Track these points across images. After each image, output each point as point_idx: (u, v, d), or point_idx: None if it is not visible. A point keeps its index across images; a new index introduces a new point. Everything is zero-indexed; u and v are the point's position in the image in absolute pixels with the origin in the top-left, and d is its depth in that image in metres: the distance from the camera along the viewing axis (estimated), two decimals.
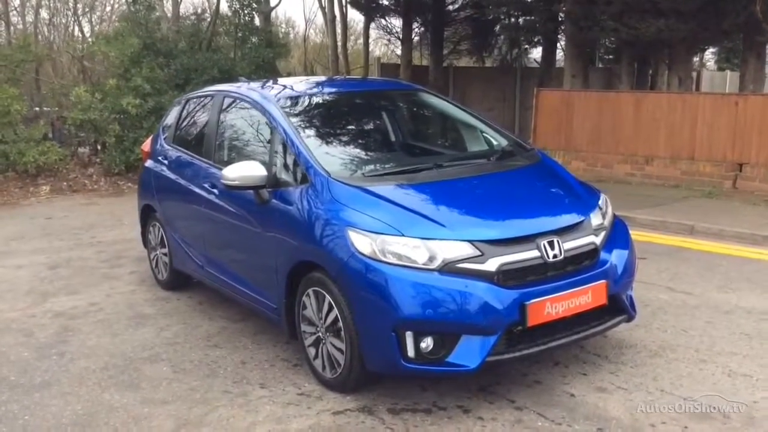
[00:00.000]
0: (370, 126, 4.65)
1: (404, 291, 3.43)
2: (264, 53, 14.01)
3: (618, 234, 4.14)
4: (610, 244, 3.98)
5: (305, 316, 3.99)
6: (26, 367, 4.47)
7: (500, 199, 3.98)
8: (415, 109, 5.05)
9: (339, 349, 3.76)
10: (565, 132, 11.66)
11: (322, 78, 5.60)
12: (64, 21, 19.41)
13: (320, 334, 3.88)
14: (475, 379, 3.87)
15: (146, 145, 6.52)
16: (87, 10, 19.84)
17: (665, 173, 10.22)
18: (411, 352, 3.46)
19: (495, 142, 4.77)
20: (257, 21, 15.14)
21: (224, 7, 14.74)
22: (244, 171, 4.20)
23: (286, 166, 4.21)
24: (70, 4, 18.81)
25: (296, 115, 4.55)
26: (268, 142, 4.44)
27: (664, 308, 5.06)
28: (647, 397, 3.72)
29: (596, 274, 3.76)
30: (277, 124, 4.38)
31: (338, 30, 18.83)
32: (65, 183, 12.21)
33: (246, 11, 14.17)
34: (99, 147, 13.09)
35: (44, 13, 19.99)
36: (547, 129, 11.89)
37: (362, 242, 3.54)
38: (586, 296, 3.69)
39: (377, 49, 24.59)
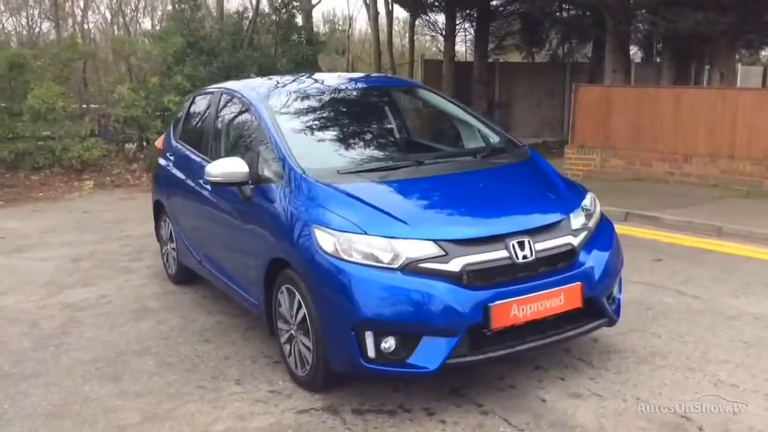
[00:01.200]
0: (358, 123, 4.60)
1: (364, 290, 3.39)
2: (303, 50, 14.12)
3: (602, 235, 4.00)
4: (591, 245, 3.85)
5: (281, 314, 4.00)
6: (22, 357, 4.61)
7: (473, 197, 3.88)
8: (408, 106, 4.99)
9: (308, 348, 3.74)
10: (603, 129, 11.34)
11: (325, 75, 5.58)
12: (116, 20, 20.00)
13: (293, 331, 3.88)
14: (448, 381, 3.80)
15: (159, 142, 6.66)
16: (134, 9, 20.37)
17: (704, 172, 9.83)
18: (371, 352, 3.42)
19: (487, 139, 4.67)
20: (299, 19, 15.26)
21: (265, 6, 14.89)
22: (226, 167, 4.24)
23: (267, 162, 4.21)
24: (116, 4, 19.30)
25: (284, 112, 4.55)
26: (256, 139, 4.46)
27: (665, 313, 4.87)
28: (621, 405, 3.58)
29: (570, 276, 3.64)
30: (262, 120, 4.40)
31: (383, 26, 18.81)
32: (108, 178, 12.58)
33: (285, 10, 14.29)
34: (144, 143, 13.43)
35: (92, 16, 20.63)
36: (585, 126, 11.59)
37: (326, 240, 3.52)
38: (558, 299, 3.57)
39: (422, 44, 24.41)
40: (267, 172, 4.18)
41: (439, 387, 3.78)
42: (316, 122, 4.58)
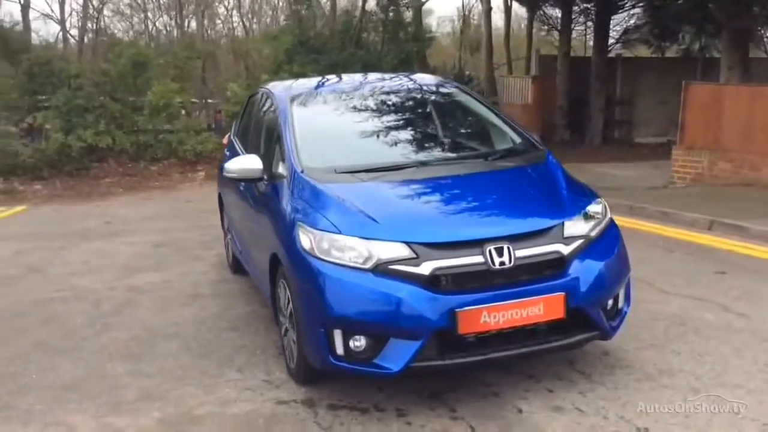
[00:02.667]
0: (377, 123, 4.65)
1: (334, 289, 3.46)
2: (408, 48, 14.24)
3: (604, 244, 3.82)
4: (588, 254, 3.68)
5: (280, 307, 4.14)
6: (70, 332, 5.06)
7: (462, 200, 3.84)
8: (435, 105, 4.96)
9: (294, 341, 3.86)
10: (713, 130, 10.62)
11: (360, 75, 5.66)
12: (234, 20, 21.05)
13: (287, 325, 4.01)
14: (430, 385, 3.79)
15: (226, 138, 7.03)
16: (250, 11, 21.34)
17: None
18: (340, 350, 3.48)
19: (508, 141, 4.57)
20: (409, 15, 15.39)
21: (373, 4, 15.14)
22: (243, 164, 4.45)
23: (280, 159, 4.37)
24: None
25: (306, 111, 4.69)
26: (276, 137, 4.63)
27: (698, 329, 4.55)
28: (599, 422, 3.41)
29: (553, 285, 3.51)
30: (281, 119, 4.56)
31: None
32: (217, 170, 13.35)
33: (392, 8, 14.47)
34: None
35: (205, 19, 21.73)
36: (695, 126, 10.90)
37: (305, 238, 3.62)
38: (537, 308, 3.47)
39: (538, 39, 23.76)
40: (279, 169, 4.33)
41: (421, 389, 3.78)
42: (334, 122, 4.68)
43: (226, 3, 21.06)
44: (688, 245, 6.84)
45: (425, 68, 15.73)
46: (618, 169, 12.98)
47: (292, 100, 4.76)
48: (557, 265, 3.58)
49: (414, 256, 3.42)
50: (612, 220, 4.03)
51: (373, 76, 5.55)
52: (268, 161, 4.46)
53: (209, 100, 14.78)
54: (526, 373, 3.95)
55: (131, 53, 12.64)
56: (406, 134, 4.57)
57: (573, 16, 17.38)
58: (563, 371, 3.97)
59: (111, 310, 5.56)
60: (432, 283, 3.39)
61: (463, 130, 4.78)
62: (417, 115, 4.80)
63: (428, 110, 4.87)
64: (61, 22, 19.29)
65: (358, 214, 3.64)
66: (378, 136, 4.51)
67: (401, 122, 4.66)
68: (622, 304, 3.93)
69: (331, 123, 4.66)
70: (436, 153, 4.42)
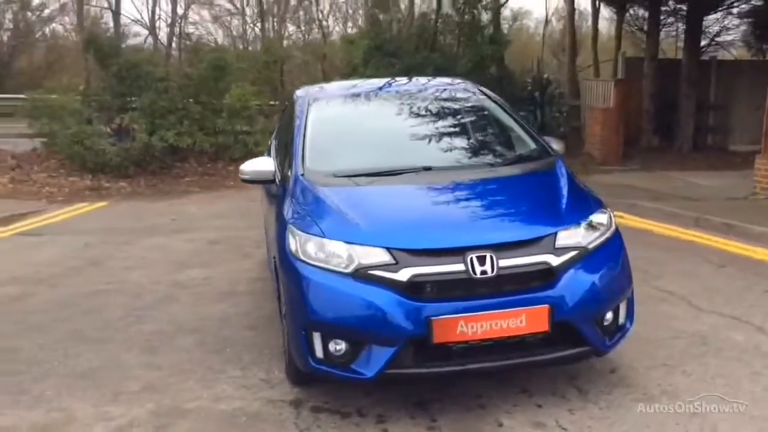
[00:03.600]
0: (390, 126, 4.66)
1: (315, 292, 3.50)
2: (484, 50, 14.09)
3: (603, 256, 3.68)
4: (583, 265, 3.56)
5: (280, 308, 4.22)
6: (105, 324, 5.33)
7: (451, 208, 3.80)
8: (450, 111, 4.90)
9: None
10: None
11: (388, 80, 5.66)
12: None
13: (284, 326, 4.08)
14: (420, 392, 3.77)
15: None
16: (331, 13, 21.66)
17: None
18: (319, 353, 3.52)
19: (521, 147, 4.48)
20: (486, 17, 15.23)
21: (448, 7, 15.06)
22: (256, 166, 4.57)
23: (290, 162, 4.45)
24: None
25: (323, 115, 4.75)
26: (292, 139, 4.72)
27: (721, 350, 4.29)
28: None
29: (538, 297, 3.42)
30: (297, 121, 4.65)
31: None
32: None
33: (467, 10, 14.35)
34: None
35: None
36: None
37: (293, 241, 3.68)
38: (519, 320, 3.38)
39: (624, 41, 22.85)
40: (288, 172, 4.42)
41: (410, 396, 3.76)
42: (346, 125, 4.73)
43: (310, 8, 21.65)
44: (743, 261, 6.45)
45: (503, 70, 15.53)
46: (704, 178, 12.34)
47: (310, 103, 4.84)
48: (545, 276, 3.48)
49: (394, 262, 3.41)
50: (616, 232, 3.87)
51: (402, 80, 5.55)
52: (281, 163, 4.56)
53: (287, 103, 15.13)
54: (520, 387, 3.85)
55: (211, 57, 13.15)
56: (415, 139, 4.53)
57: (662, 17, 16.66)
58: (560, 387, 3.85)
59: (149, 304, 5.81)
60: (410, 289, 3.37)
61: (475, 136, 4.69)
62: (430, 120, 4.76)
63: (442, 115, 4.82)
64: (152, 27, 20.31)
65: (345, 218, 3.66)
66: (387, 140, 4.52)
67: (413, 127, 4.64)
68: (624, 320, 3.77)
69: (343, 126, 4.71)
70: (442, 158, 4.37)
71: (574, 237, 3.62)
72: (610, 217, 3.88)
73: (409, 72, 14.00)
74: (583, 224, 3.71)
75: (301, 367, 3.66)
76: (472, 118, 4.86)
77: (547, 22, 20.56)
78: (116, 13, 16.60)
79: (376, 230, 3.55)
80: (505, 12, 15.79)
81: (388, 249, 3.44)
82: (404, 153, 4.40)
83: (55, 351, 4.74)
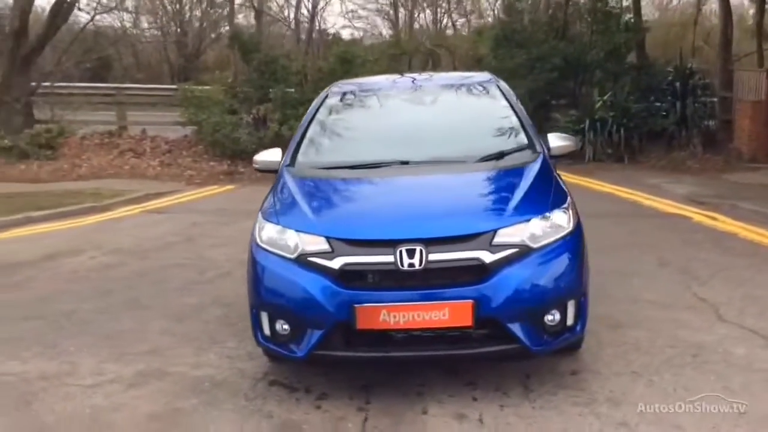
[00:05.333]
0: (389, 121, 4.81)
1: (262, 275, 3.81)
2: (617, 38, 13.49)
3: (550, 256, 3.64)
4: (522, 264, 3.56)
5: None
6: (159, 294, 5.95)
7: (398, 201, 3.93)
8: (456, 106, 4.96)
9: None
10: None
11: (413, 75, 5.78)
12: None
13: None
14: (371, 377, 3.95)
15: None
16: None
17: None
18: (267, 331, 3.81)
19: (512, 143, 4.47)
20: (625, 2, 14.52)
21: None
22: (266, 156, 4.92)
23: None
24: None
25: (332, 108, 5.01)
26: None
27: (707, 363, 4.04)
28: None
29: (462, 291, 3.48)
30: (307, 114, 4.96)
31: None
32: None
33: None
34: None
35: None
36: None
37: (257, 227, 4.00)
38: (442, 313, 3.47)
39: None
40: None
41: (358, 381, 3.94)
42: (350, 119, 4.95)
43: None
44: None
45: (643, 59, 14.75)
46: None
47: (327, 97, 5.12)
48: (477, 272, 3.52)
49: (330, 250, 3.62)
50: (575, 232, 3.79)
51: (424, 76, 5.67)
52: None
53: None
54: (468, 380, 3.91)
55: (339, 51, 13.75)
56: (407, 133, 4.66)
57: None
58: (507, 383, 3.86)
59: (207, 279, 6.41)
60: (341, 277, 3.57)
61: (466, 132, 4.70)
62: (427, 116, 4.86)
63: (441, 111, 4.90)
64: (296, 23, 21.39)
65: (300, 207, 3.92)
66: (379, 134, 4.70)
67: (408, 122, 4.77)
68: (573, 322, 3.71)
69: (345, 120, 4.93)
70: (423, 153, 4.44)
71: (517, 235, 3.62)
72: (570, 217, 3.80)
73: (535, 62, 13.81)
74: (534, 222, 3.68)
75: (256, 342, 3.98)
76: (472, 114, 4.88)
77: (699, 8, 18.99)
78: (259, 12, 17.78)
79: (320, 220, 3.79)
80: None
81: (327, 238, 3.65)
82: (391, 147, 4.55)
83: (102, 314, 5.42)
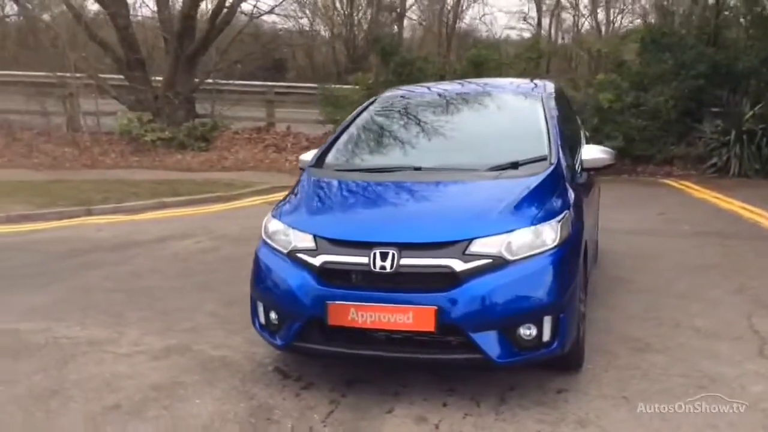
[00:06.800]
0: (419, 127, 4.88)
1: (259, 267, 4.10)
2: None
3: (526, 270, 3.61)
4: (495, 275, 3.57)
5: None
6: (231, 279, 6.29)
7: (386, 205, 4.11)
8: (488, 115, 4.93)
9: None
10: None
11: (462, 81, 5.79)
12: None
13: None
14: (358, 373, 4.11)
15: None
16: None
17: None
18: (262, 319, 4.09)
19: (531, 154, 4.39)
20: None
21: None
22: (306, 156, 5.20)
23: None
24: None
25: (374, 112, 5.20)
26: None
27: (711, 397, 3.77)
28: None
29: (427, 297, 3.55)
30: (348, 118, 5.19)
31: None
32: None
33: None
34: None
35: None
36: None
37: (265, 220, 4.29)
38: (406, 316, 3.57)
39: None
40: None
41: (346, 375, 4.10)
42: (387, 124, 5.08)
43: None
44: None
45: None
46: None
47: (372, 102, 5.31)
48: (447, 279, 3.58)
49: (314, 248, 3.83)
50: (560, 248, 3.71)
51: (477, 82, 5.69)
52: None
53: None
54: (451, 386, 3.96)
55: (471, 55, 13.77)
56: (430, 140, 4.75)
57: None
58: (487, 393, 3.87)
59: (235, 257, 6.84)
60: (321, 274, 3.77)
61: (487, 140, 4.68)
62: (457, 123, 4.90)
63: (471, 119, 4.91)
64: (438, 26, 21.44)
65: (301, 205, 4.17)
66: (406, 140, 4.82)
67: (437, 128, 4.84)
68: (550, 338, 3.64)
69: (380, 125, 5.07)
70: (438, 159, 4.52)
71: (494, 246, 3.62)
72: (558, 232, 3.73)
73: (680, 68, 13.02)
74: (517, 233, 3.66)
75: (255, 328, 4.27)
76: (501, 123, 4.85)
77: None
78: (401, 15, 18.11)
79: (312, 218, 4.02)
80: None
81: (314, 236, 3.87)
82: (410, 153, 4.67)
83: (173, 292, 5.98)
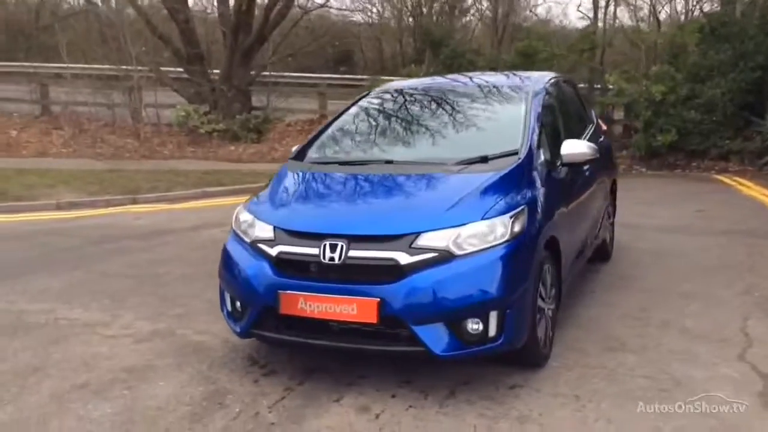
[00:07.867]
0: (401, 120, 4.88)
1: (225, 257, 4.22)
2: None
3: (473, 264, 3.60)
4: (440, 269, 3.58)
5: None
6: (204, 259, 6.61)
7: (342, 198, 4.17)
8: (471, 109, 4.86)
9: None
10: None
11: (469, 74, 5.70)
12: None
13: None
14: (325, 363, 4.18)
15: None
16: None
17: None
18: (229, 307, 4.21)
19: (506, 148, 4.34)
20: None
21: None
22: (295, 148, 5.29)
23: None
24: None
25: (367, 106, 5.24)
26: None
27: (669, 399, 3.65)
28: (370, 426, 3.42)
29: (370, 289, 3.59)
30: (339, 112, 5.26)
31: None
32: None
33: None
34: (631, 131, 13.63)
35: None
36: None
37: (235, 211, 4.41)
38: (350, 307, 3.62)
39: None
40: None
41: (311, 363, 4.19)
42: (372, 117, 5.10)
43: None
44: None
45: None
46: None
47: (363, 97, 5.35)
48: (391, 272, 3.61)
49: (272, 238, 3.93)
50: (512, 243, 3.67)
51: (469, 76, 5.63)
52: None
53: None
54: (406, 377, 3.98)
55: (519, 45, 13.54)
56: (408, 134, 4.76)
57: None
58: (438, 386, 3.88)
59: None
60: (277, 264, 3.86)
61: (463, 134, 4.64)
62: (439, 118, 4.87)
63: (454, 113, 4.86)
64: (494, 16, 21.07)
65: (270, 197, 4.27)
66: (385, 133, 4.85)
67: (417, 123, 4.84)
68: (495, 333, 3.62)
69: (365, 120, 5.09)
70: (413, 154, 4.52)
71: (441, 239, 3.62)
72: (509, 227, 3.69)
73: (739, 59, 12.46)
74: (467, 227, 3.65)
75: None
76: (482, 118, 4.78)
77: None
78: (452, 6, 17.94)
79: (274, 209, 4.11)
80: None
81: (274, 227, 3.96)
82: (387, 146, 4.69)
83: (181, 279, 6.21)
